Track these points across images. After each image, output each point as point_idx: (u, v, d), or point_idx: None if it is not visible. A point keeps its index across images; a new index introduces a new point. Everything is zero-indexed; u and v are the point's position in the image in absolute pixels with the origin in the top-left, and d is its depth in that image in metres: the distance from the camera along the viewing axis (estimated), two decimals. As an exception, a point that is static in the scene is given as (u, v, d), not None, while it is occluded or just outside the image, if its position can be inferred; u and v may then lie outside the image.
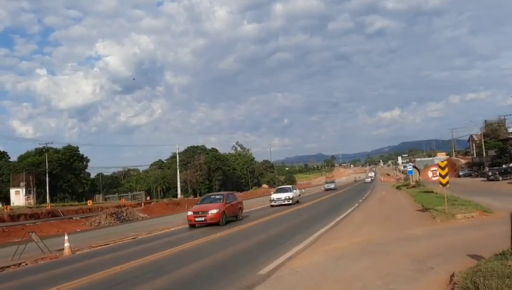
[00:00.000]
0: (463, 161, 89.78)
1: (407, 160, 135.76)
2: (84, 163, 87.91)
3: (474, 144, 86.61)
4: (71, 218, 32.88)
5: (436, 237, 11.45)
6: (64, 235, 15.42)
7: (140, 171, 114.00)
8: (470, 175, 68.83)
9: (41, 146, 77.37)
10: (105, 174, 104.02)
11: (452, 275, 6.52)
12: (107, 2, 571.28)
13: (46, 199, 62.27)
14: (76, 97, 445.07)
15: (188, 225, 20.00)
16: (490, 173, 52.25)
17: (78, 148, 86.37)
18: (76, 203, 52.28)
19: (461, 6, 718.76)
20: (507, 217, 7.28)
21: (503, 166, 59.09)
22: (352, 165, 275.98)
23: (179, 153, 79.96)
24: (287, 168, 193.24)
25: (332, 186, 65.23)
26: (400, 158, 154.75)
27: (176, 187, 74.81)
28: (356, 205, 26.81)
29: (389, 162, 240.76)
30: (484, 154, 71.52)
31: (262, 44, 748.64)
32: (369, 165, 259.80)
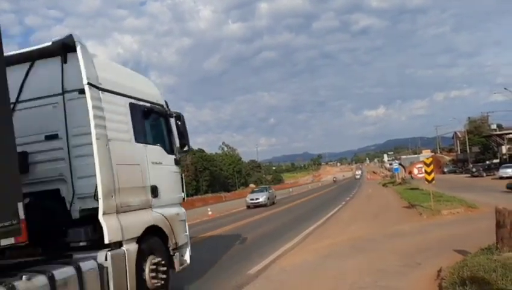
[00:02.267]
0: (447, 158, 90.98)
1: (393, 157, 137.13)
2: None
3: (458, 141, 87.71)
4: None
5: (423, 233, 11.57)
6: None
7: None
8: (454, 172, 69.74)
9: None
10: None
11: (439, 270, 6.59)
12: (89, 2, 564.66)
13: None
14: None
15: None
16: (474, 169, 53.04)
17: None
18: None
19: (444, 4, 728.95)
20: (491, 213, 7.39)
21: (487, 162, 60.03)
22: (338, 164, 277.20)
23: (165, 154, 79.47)
24: (274, 168, 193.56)
25: (261, 199, 31.63)
26: (385, 156, 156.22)
27: (163, 188, 74.25)
28: (343, 202, 26.95)
29: (375, 160, 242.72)
30: (468, 151, 72.53)
31: (248, 43, 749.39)
32: (356, 163, 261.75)
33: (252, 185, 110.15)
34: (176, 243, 6.66)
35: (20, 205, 3.91)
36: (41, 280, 3.99)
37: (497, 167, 49.01)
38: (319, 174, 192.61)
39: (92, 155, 5.11)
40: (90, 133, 5.14)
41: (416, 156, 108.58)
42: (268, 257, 9.82)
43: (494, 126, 71.27)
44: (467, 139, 72.51)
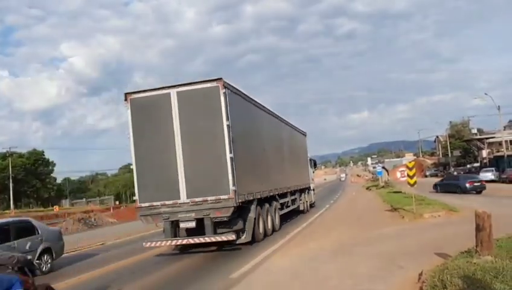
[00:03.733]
0: (429, 161, 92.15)
1: (377, 161, 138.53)
2: (50, 167, 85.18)
3: (440, 145, 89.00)
4: (37, 224, 31.85)
5: (405, 236, 11.67)
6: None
7: (109, 175, 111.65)
8: (436, 175, 70.62)
9: (4, 150, 74.53)
10: (72, 178, 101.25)
11: (421, 274, 6.64)
12: (72, 1, 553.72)
13: (10, 205, 60.08)
14: (40, 99, 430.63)
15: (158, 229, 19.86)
16: (455, 173, 53.91)
17: (43, 152, 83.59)
18: (42, 208, 50.80)
19: (426, 10, 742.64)
20: (472, 216, 7.48)
21: (468, 166, 61.09)
22: (323, 167, 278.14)
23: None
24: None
25: None
26: (369, 159, 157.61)
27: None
28: (327, 205, 27.06)
29: (359, 163, 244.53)
30: (449, 155, 73.63)
31: (232, 46, 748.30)
32: (340, 166, 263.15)
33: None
34: (314, 193, 26.94)
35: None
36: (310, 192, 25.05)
37: (478, 170, 49.93)
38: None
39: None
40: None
41: (399, 159, 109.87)
42: (252, 260, 9.80)
43: (474, 130, 72.35)
44: (448, 143, 73.62)
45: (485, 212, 7.09)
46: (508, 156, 44.66)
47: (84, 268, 11.48)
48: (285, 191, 16.72)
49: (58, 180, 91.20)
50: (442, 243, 9.38)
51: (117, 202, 63.26)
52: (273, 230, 14.18)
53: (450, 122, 79.22)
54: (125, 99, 11.10)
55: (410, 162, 18.81)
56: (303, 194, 21.69)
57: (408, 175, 17.54)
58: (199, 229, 10.81)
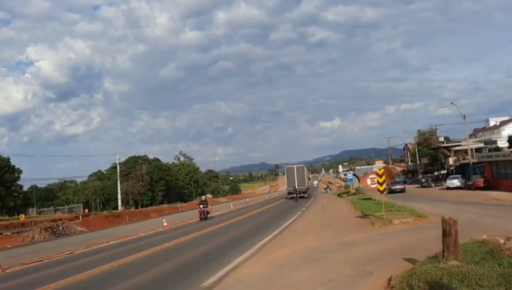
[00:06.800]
0: (399, 169, 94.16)
1: (348, 168, 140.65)
2: (16, 174, 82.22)
3: (408, 152, 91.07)
4: (1, 234, 30.71)
5: (375, 242, 11.84)
6: (-8, 253, 14.34)
7: (78, 182, 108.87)
8: (405, 182, 72.13)
9: (-33, 157, 71.66)
10: (39, 186, 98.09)
11: (390, 279, 6.75)
12: (39, 4, 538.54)
13: (-28, 214, 57.63)
14: (5, 104, 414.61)
15: (128, 238, 19.58)
16: (424, 180, 55.30)
17: (9, 158, 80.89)
18: (7, 217, 48.80)
19: (395, 21, 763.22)
20: (439, 222, 7.67)
21: (435, 173, 62.68)
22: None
23: (119, 164, 77.33)
24: (231, 178, 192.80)
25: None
26: (340, 166, 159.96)
27: (117, 199, 72.15)
28: (299, 213, 27.20)
29: (331, 170, 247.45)
30: (418, 162, 75.44)
31: (205, 52, 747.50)
32: (312, 173, 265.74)
33: (209, 195, 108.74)
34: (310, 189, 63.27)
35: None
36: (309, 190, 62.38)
37: (445, 177, 51.33)
38: (276, 184, 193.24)
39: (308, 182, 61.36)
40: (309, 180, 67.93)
41: (369, 166, 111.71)
42: (223, 268, 9.75)
43: (441, 138, 74.43)
44: (416, 151, 75.40)
45: (451, 218, 7.28)
46: (473, 163, 46.03)
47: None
48: (310, 187, 62.06)
49: (25, 188, 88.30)
50: (411, 249, 9.58)
51: (86, 210, 61.68)
52: (310, 197, 52.17)
53: (418, 130, 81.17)
54: (284, 168, 60.17)
55: (380, 170, 19.17)
56: (308, 190, 54.18)
57: (378, 182, 17.88)
58: (299, 193, 47.74)
